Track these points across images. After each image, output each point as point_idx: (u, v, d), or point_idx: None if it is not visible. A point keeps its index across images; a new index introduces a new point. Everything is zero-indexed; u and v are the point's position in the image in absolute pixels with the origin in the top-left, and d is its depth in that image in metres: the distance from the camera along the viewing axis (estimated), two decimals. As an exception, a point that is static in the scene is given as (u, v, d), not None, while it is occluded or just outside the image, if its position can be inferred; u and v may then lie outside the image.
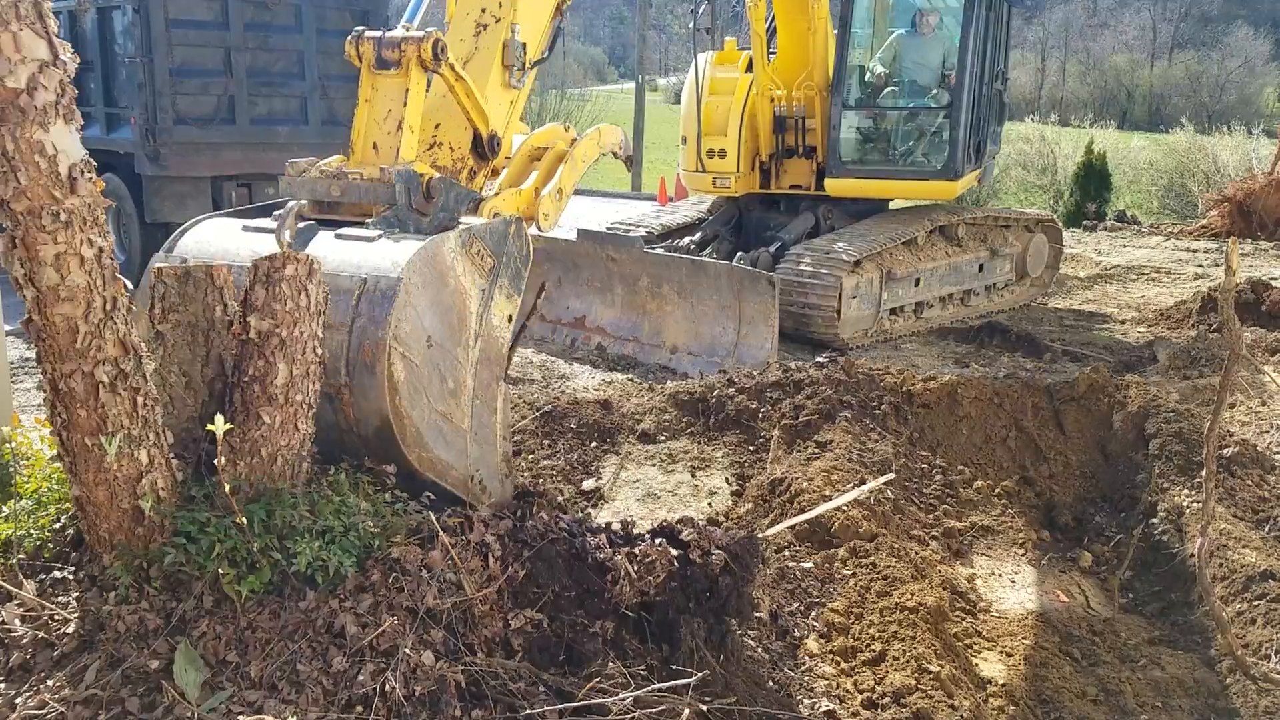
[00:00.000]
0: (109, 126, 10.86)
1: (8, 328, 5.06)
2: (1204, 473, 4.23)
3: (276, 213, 3.91)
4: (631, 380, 7.80)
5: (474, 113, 4.33)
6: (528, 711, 2.79)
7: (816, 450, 5.47)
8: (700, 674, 3.19)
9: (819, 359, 6.79)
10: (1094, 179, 19.06)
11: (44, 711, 2.49)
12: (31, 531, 3.01)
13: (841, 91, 9.95)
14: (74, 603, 2.80)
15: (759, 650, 3.79)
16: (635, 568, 3.39)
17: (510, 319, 3.78)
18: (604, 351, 8.74)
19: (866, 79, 10.27)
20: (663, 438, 5.99)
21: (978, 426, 6.00)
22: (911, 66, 10.25)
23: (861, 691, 3.71)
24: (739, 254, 9.71)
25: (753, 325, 8.01)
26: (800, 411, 5.84)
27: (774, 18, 10.02)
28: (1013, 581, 4.90)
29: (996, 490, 5.60)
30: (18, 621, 2.73)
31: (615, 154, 5.31)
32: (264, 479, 2.98)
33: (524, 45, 4.54)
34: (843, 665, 3.89)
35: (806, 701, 3.61)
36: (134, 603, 2.76)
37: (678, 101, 11.74)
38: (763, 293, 7.95)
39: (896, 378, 6.21)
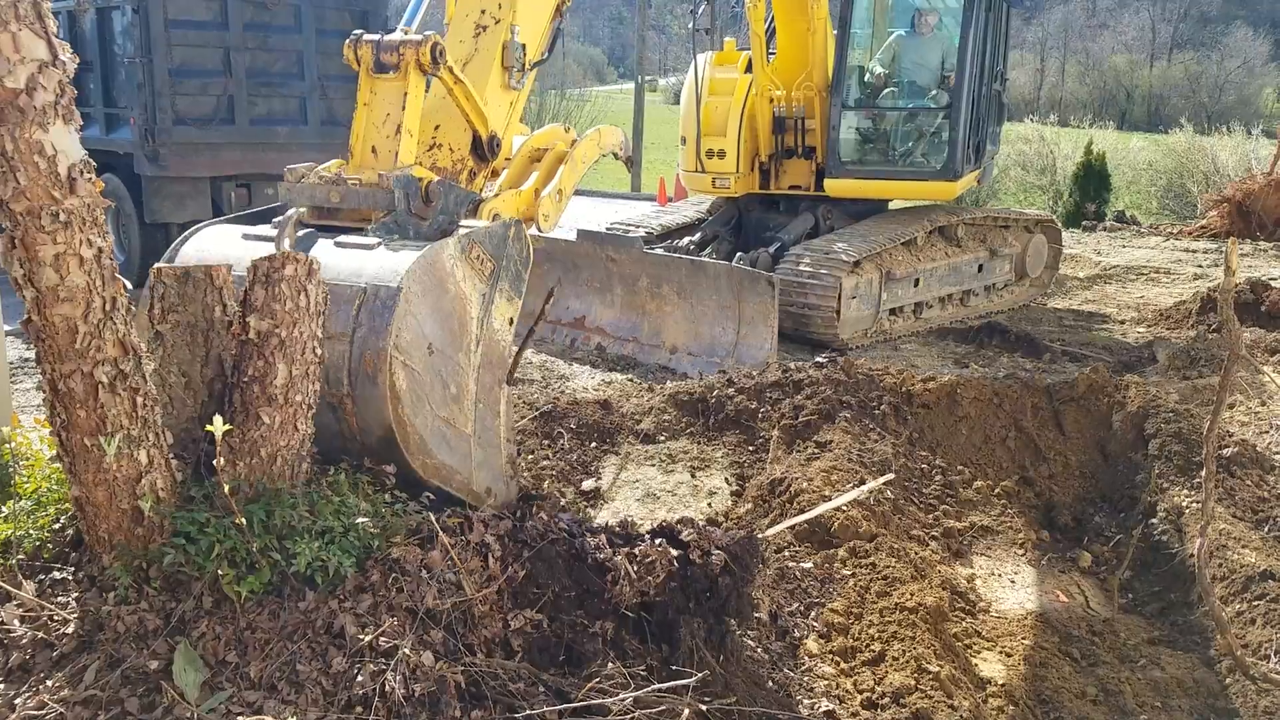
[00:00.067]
0: (108, 127, 10.86)
1: (7, 328, 5.06)
2: (1203, 473, 4.23)
3: (276, 219, 3.91)
4: (631, 380, 7.80)
5: (473, 115, 4.33)
6: (527, 712, 2.79)
7: (816, 450, 5.47)
8: (700, 674, 3.19)
9: (818, 359, 6.79)
10: (1093, 179, 19.06)
11: (43, 712, 2.49)
12: (31, 532, 3.01)
13: (841, 92, 9.95)
14: (73, 603, 2.79)
15: (759, 650, 3.79)
16: (635, 568, 3.39)
17: (511, 321, 3.78)
18: (603, 352, 8.74)
19: (866, 79, 10.27)
20: (662, 438, 5.99)
21: (977, 427, 6.01)
22: (911, 67, 10.25)
23: (861, 691, 3.71)
24: (738, 254, 9.71)
25: (752, 325, 8.01)
26: (800, 412, 5.84)
27: (773, 18, 10.02)
28: (1012, 582, 4.90)
29: (996, 490, 5.60)
30: (17, 622, 2.73)
31: (616, 155, 5.31)
32: (263, 479, 2.98)
33: (523, 46, 4.53)
34: (842, 665, 3.89)
35: (806, 701, 3.61)
36: (133, 603, 2.75)
37: (677, 102, 11.74)
38: (762, 293, 7.95)
39: (896, 378, 6.21)
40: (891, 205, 10.71)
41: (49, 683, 2.58)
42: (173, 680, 2.56)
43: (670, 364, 8.33)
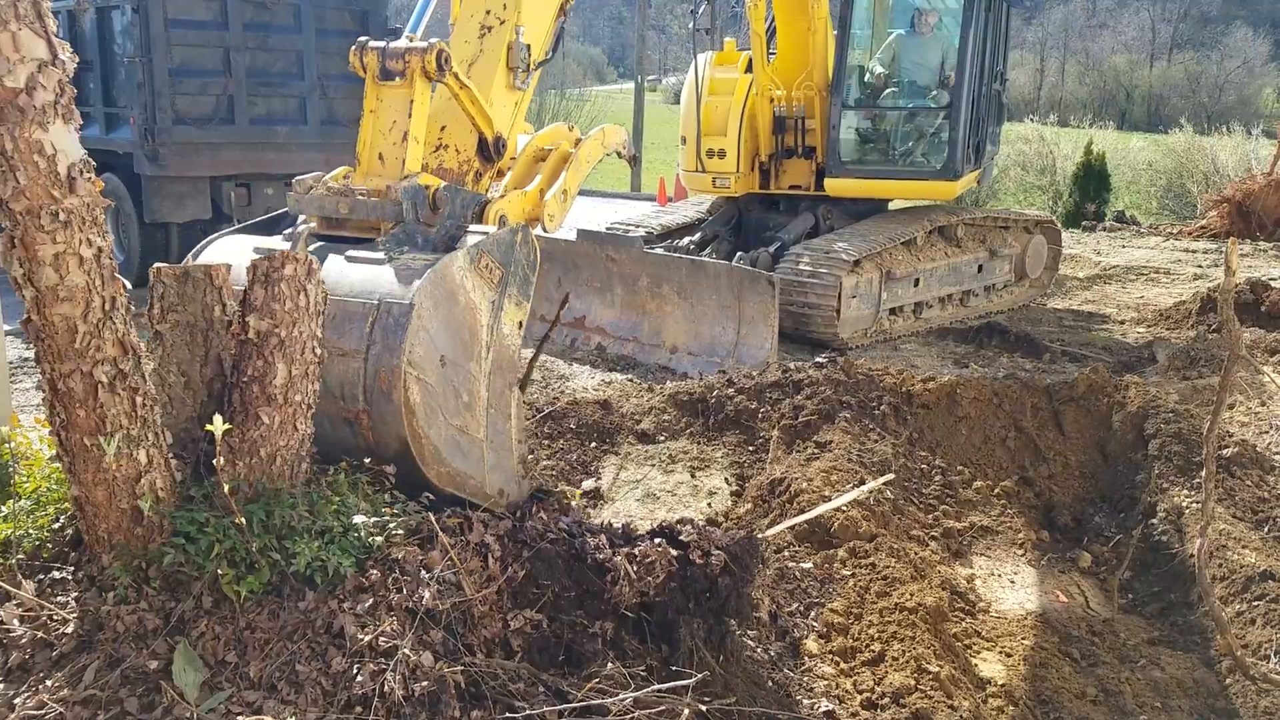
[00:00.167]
0: (108, 126, 10.85)
1: (7, 328, 5.06)
2: (1203, 473, 4.23)
3: (287, 231, 3.98)
4: (631, 380, 7.79)
5: (479, 118, 4.34)
6: (527, 712, 2.79)
7: (816, 450, 5.47)
8: (700, 674, 3.19)
9: (818, 359, 6.79)
10: (1093, 179, 19.05)
11: (43, 712, 2.49)
12: (30, 531, 3.00)
13: (841, 92, 9.95)
14: (73, 603, 2.79)
15: (759, 651, 3.79)
16: (635, 568, 3.39)
17: (520, 325, 3.81)
18: (604, 352, 8.74)
19: (866, 79, 10.27)
20: (662, 438, 5.99)
21: (977, 427, 6.00)
22: (911, 67, 10.25)
23: (861, 692, 3.71)
24: (738, 254, 9.71)
25: (752, 325, 8.01)
26: (800, 412, 5.84)
27: (773, 18, 10.02)
28: (1012, 582, 4.90)
29: (996, 490, 5.59)
30: (17, 621, 2.73)
31: (620, 154, 5.32)
32: (263, 479, 2.98)
33: (528, 47, 4.54)
34: (842, 665, 3.89)
35: (806, 702, 3.61)
36: (133, 603, 2.75)
37: (677, 102, 11.74)
38: (762, 293, 7.95)
39: (896, 378, 6.21)
40: (891, 205, 10.71)
41: (48, 682, 2.58)
42: (172, 680, 2.56)
43: (670, 364, 8.32)
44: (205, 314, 3.15)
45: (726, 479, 5.58)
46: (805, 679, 3.76)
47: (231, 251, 3.85)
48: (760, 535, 4.34)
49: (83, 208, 2.53)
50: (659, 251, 9.15)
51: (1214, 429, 4.15)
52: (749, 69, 10.22)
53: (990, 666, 4.09)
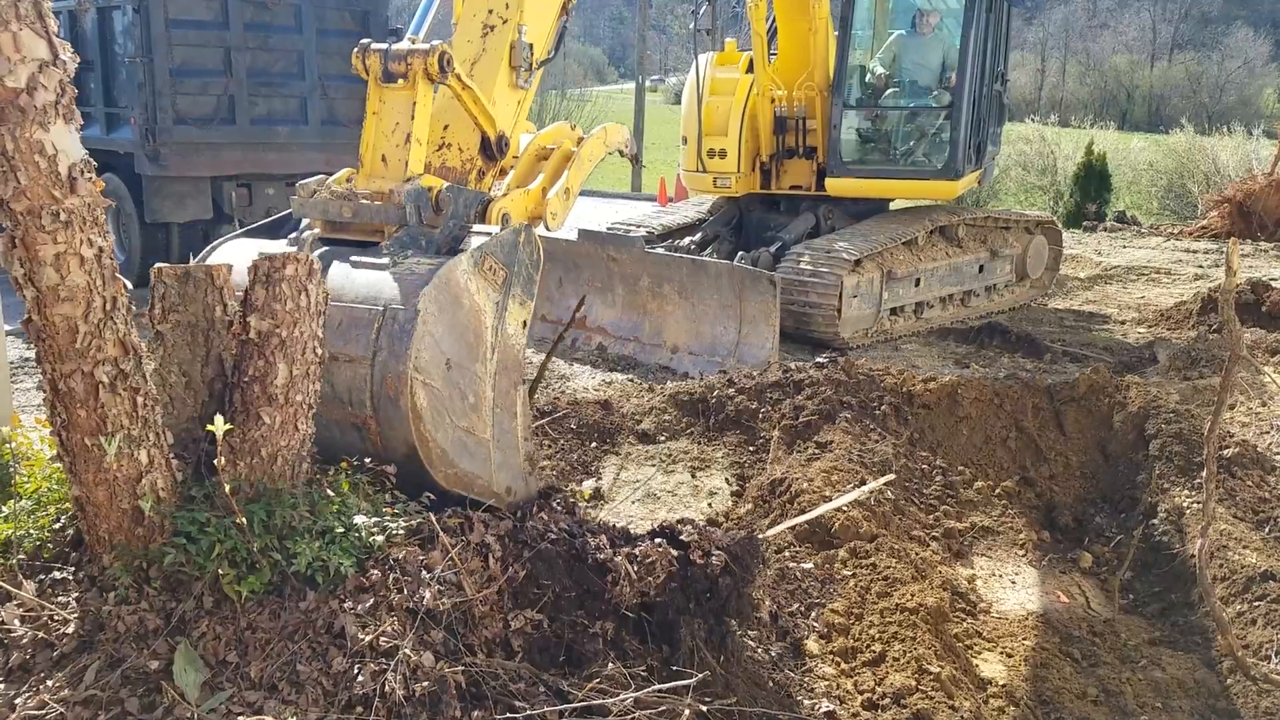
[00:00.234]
0: (109, 126, 10.86)
1: (8, 328, 5.06)
2: (1204, 473, 4.23)
3: (292, 236, 3.99)
4: (632, 380, 7.79)
5: (481, 118, 4.35)
6: (528, 712, 2.79)
7: (817, 451, 5.47)
8: (700, 675, 3.19)
9: (819, 359, 6.79)
10: (1094, 180, 19.04)
11: (43, 712, 2.49)
12: (31, 531, 3.00)
13: (842, 92, 9.95)
14: (74, 603, 2.79)
15: (759, 651, 3.79)
16: (635, 568, 3.39)
17: (525, 324, 3.83)
18: (604, 351, 8.74)
19: (867, 79, 10.28)
20: (663, 438, 5.99)
21: (978, 427, 6.00)
22: (912, 67, 10.25)
23: (862, 692, 3.71)
24: (739, 254, 9.71)
25: (754, 325, 8.01)
26: (800, 412, 5.84)
27: (774, 18, 10.03)
28: (1013, 582, 4.89)
29: (997, 491, 5.59)
30: (17, 622, 2.73)
31: (622, 152, 5.32)
32: (264, 479, 2.97)
33: (531, 46, 4.54)
34: (843, 666, 3.89)
35: (807, 702, 3.61)
36: (134, 603, 2.75)
37: (678, 102, 11.74)
38: (764, 292, 7.94)
39: (897, 378, 6.21)
40: (892, 205, 10.71)
41: (49, 683, 2.58)
42: (173, 680, 2.56)
43: (671, 364, 8.32)
44: (206, 314, 3.15)
45: (727, 479, 5.58)
46: (806, 679, 3.76)
47: (238, 255, 3.86)
48: (761, 535, 4.34)
49: (84, 208, 2.53)
50: (660, 251, 9.15)
51: (1215, 429, 4.15)
52: (750, 69, 10.22)
53: (991, 667, 4.09)
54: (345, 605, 2.81)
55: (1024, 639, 4.31)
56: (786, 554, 4.59)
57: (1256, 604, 4.44)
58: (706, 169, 10.33)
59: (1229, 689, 4.07)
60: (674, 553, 3.50)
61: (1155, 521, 5.22)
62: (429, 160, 4.23)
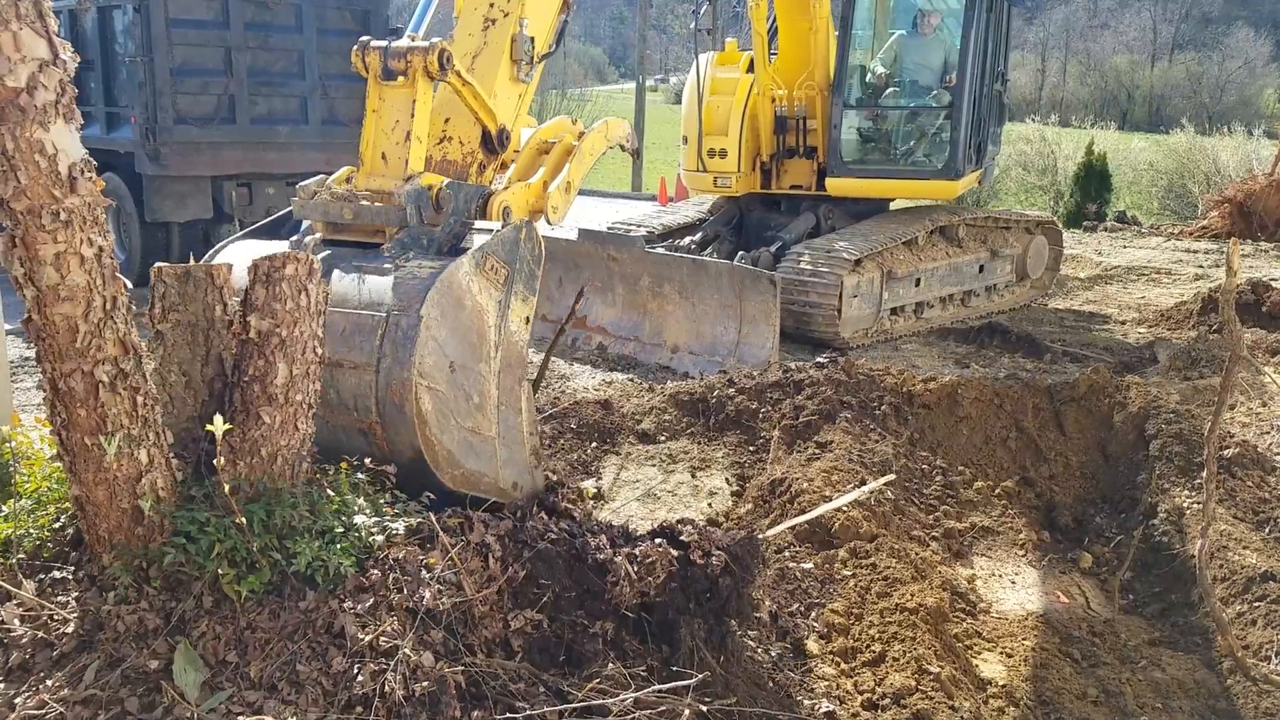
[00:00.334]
0: (109, 126, 10.86)
1: (8, 327, 5.06)
2: (1204, 474, 4.23)
3: (293, 239, 4.00)
4: (632, 380, 7.79)
5: (482, 113, 4.35)
6: (528, 712, 2.79)
7: (817, 451, 5.47)
8: (700, 675, 3.19)
9: (819, 359, 6.78)
10: (1094, 180, 19.03)
11: (43, 711, 2.49)
12: (31, 531, 3.00)
13: (843, 91, 9.95)
14: (73, 602, 2.79)
15: (759, 651, 3.79)
16: (635, 568, 3.39)
17: (528, 320, 3.84)
18: (605, 351, 8.73)
19: (867, 79, 10.27)
20: (663, 438, 5.99)
21: (978, 427, 6.00)
22: (912, 67, 10.25)
23: (862, 692, 3.71)
24: (740, 254, 9.71)
25: (754, 325, 8.01)
26: (800, 412, 5.84)
27: (775, 18, 10.02)
28: (1013, 582, 4.89)
29: (997, 491, 5.59)
30: (17, 621, 2.73)
31: (623, 147, 5.33)
32: (264, 479, 2.97)
33: (532, 40, 4.55)
34: (843, 666, 3.89)
35: (807, 702, 3.60)
36: (133, 603, 2.75)
37: (678, 101, 11.74)
38: (764, 292, 7.94)
39: (897, 378, 6.21)
40: (893, 205, 10.71)
41: (49, 682, 2.58)
42: (173, 680, 2.56)
43: (671, 364, 8.32)
44: (206, 313, 3.14)
45: (727, 479, 5.58)
46: (806, 679, 3.76)
47: (242, 257, 3.88)
48: (761, 535, 4.34)
49: (84, 207, 2.52)
50: (660, 251, 9.15)
51: (1215, 429, 4.15)
52: (750, 69, 10.22)
53: (991, 667, 4.09)
54: (345, 605, 2.81)
55: (1024, 639, 4.31)
56: (786, 554, 4.59)
57: (1256, 604, 4.44)
58: (707, 168, 10.32)
59: (1229, 689, 4.07)
60: (674, 553, 3.50)
61: (1155, 522, 5.21)
62: (430, 153, 4.23)
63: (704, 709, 3.11)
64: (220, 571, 2.75)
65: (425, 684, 2.68)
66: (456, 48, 4.16)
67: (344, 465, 3.27)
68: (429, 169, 4.19)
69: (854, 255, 8.91)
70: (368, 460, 3.34)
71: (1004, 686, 3.92)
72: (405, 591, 2.91)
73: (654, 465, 5.67)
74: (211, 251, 4.08)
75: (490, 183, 4.49)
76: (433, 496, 3.42)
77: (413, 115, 3.98)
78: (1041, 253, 11.30)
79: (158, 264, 3.17)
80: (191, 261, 3.33)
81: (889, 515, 4.92)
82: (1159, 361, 8.41)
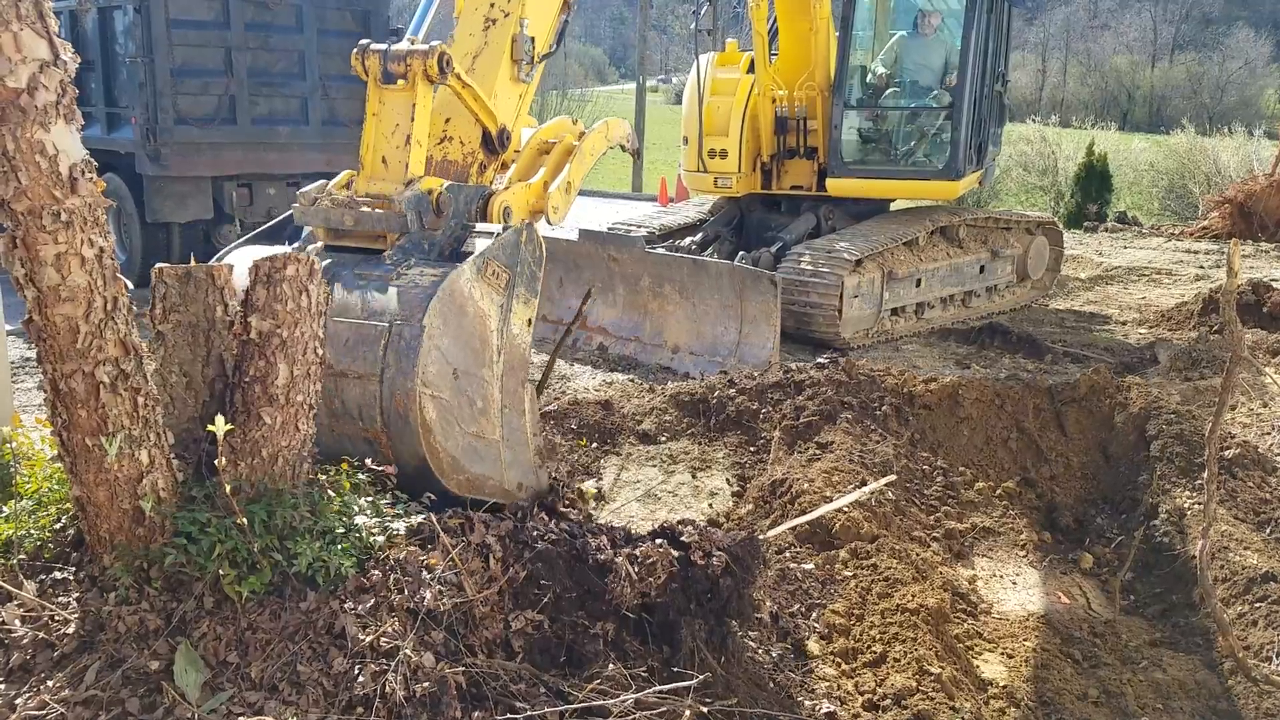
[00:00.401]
0: (110, 126, 10.86)
1: (8, 328, 5.06)
2: (1205, 474, 4.23)
3: (295, 246, 4.02)
4: (632, 381, 7.79)
5: (483, 114, 4.35)
6: (528, 713, 2.79)
7: (817, 451, 5.47)
8: (701, 675, 3.19)
9: (820, 360, 6.78)
10: (1095, 180, 19.03)
11: (44, 712, 2.49)
12: (32, 531, 3.00)
13: (843, 92, 9.95)
14: (74, 603, 2.79)
15: (760, 652, 3.78)
16: (636, 569, 3.39)
17: (530, 322, 3.85)
18: (605, 351, 8.73)
19: (868, 80, 10.28)
20: (663, 438, 5.99)
21: (979, 428, 6.00)
22: (913, 67, 10.25)
23: (862, 693, 3.71)
24: (740, 254, 9.71)
25: (755, 325, 8.01)
26: (801, 412, 5.83)
27: (775, 18, 10.02)
28: (1014, 583, 4.89)
29: (998, 492, 5.59)
30: (18, 622, 2.73)
31: (623, 147, 5.33)
32: (265, 479, 2.97)
33: (532, 40, 4.55)
34: (844, 667, 3.89)
35: (807, 703, 3.60)
36: (134, 603, 2.75)
37: (679, 102, 11.75)
38: (765, 292, 7.94)
39: (897, 379, 6.21)
40: (893, 206, 10.71)
41: (50, 683, 2.58)
42: (173, 681, 2.56)
43: (672, 364, 8.32)
44: (207, 314, 3.15)
45: (728, 480, 5.58)
46: (807, 680, 3.76)
47: (246, 262, 3.90)
48: (762, 536, 4.34)
49: (84, 208, 2.53)
50: (661, 251, 9.15)
51: (1216, 430, 4.15)
52: (751, 69, 10.22)
53: (992, 668, 4.09)
54: (346, 606, 2.81)
55: (1025, 640, 4.31)
56: (787, 555, 4.59)
57: (1257, 605, 4.44)
58: (707, 169, 10.32)
59: (1230, 690, 4.07)
60: (675, 553, 3.50)
61: (1156, 522, 5.21)
62: (430, 153, 4.24)
63: (705, 710, 3.11)
64: (221, 572, 2.75)
65: (426, 684, 2.68)
66: (457, 48, 4.16)
67: (345, 466, 3.27)
68: (430, 169, 4.19)
69: (855, 256, 8.91)
70: (369, 461, 3.34)
71: (1005, 687, 3.92)
72: (406, 592, 2.91)
73: (655, 466, 5.67)
74: (214, 258, 4.09)
75: (491, 182, 4.50)
76: (434, 497, 3.43)
77: (413, 119, 3.98)
78: (1042, 253, 11.30)
79: (159, 265, 3.17)
80: (192, 262, 3.33)
81: (890, 516, 4.92)
82: (1160, 362, 8.40)
